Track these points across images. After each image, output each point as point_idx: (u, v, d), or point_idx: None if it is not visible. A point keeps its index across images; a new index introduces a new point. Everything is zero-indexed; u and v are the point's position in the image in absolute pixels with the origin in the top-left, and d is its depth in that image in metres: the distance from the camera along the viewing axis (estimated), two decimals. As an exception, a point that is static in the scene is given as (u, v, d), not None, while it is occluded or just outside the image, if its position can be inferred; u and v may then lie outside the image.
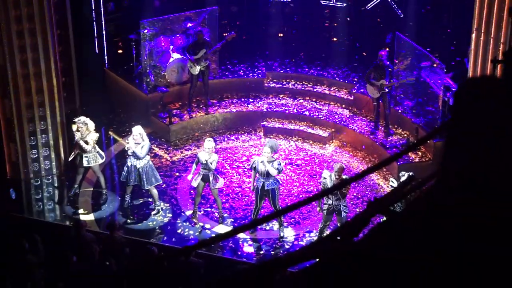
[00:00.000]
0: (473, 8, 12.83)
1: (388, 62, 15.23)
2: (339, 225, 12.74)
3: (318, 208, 12.86)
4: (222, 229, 13.37)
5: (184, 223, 13.58)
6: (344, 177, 12.59)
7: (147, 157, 13.47)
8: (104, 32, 17.61)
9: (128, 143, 13.45)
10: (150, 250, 11.18)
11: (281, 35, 19.13)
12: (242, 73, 17.79)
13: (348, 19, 18.75)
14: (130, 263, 11.56)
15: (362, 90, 16.60)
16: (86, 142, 13.63)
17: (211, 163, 13.01)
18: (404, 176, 12.13)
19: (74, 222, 12.27)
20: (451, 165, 2.42)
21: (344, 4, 18.56)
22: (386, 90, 15.19)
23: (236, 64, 18.09)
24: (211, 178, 13.17)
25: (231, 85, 17.56)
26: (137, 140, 13.33)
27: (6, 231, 12.46)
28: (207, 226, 13.51)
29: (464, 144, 2.40)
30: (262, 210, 13.13)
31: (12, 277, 11.03)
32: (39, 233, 11.61)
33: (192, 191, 13.94)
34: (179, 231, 13.39)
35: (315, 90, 17.31)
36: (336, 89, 17.22)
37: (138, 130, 13.43)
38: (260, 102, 17.15)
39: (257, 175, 12.83)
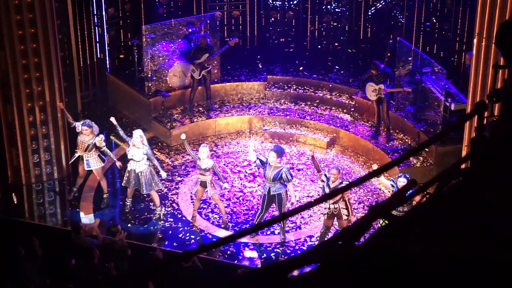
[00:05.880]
0: (475, 13, 12.85)
1: (383, 66, 15.29)
2: (340, 229, 12.73)
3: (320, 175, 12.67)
4: (222, 233, 13.37)
5: (185, 228, 13.58)
6: (345, 182, 12.60)
7: (147, 162, 13.45)
8: (106, 37, 17.64)
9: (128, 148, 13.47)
10: (154, 255, 11.18)
11: (283, 40, 19.19)
12: (243, 78, 17.83)
13: (347, 25, 18.79)
14: (131, 268, 11.56)
15: (363, 95, 16.63)
16: (96, 146, 13.63)
17: (207, 170, 13.07)
18: (400, 177, 12.12)
19: (73, 226, 12.26)
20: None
21: (345, 9, 18.62)
22: (383, 95, 15.25)
23: (238, 68, 18.15)
24: (208, 185, 13.19)
25: (232, 90, 17.59)
26: (137, 144, 13.32)
27: (6, 236, 12.45)
28: (208, 230, 13.51)
29: None
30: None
31: (11, 284, 11.02)
32: (40, 238, 11.60)
33: (193, 195, 13.94)
34: (180, 235, 13.39)
35: (316, 95, 17.34)
36: (338, 94, 17.26)
37: (138, 133, 13.42)
38: (261, 107, 17.18)
39: (264, 179, 12.84)
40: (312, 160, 12.79)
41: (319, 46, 19.07)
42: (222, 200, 13.95)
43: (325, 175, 12.43)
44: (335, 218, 12.55)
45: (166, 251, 12.39)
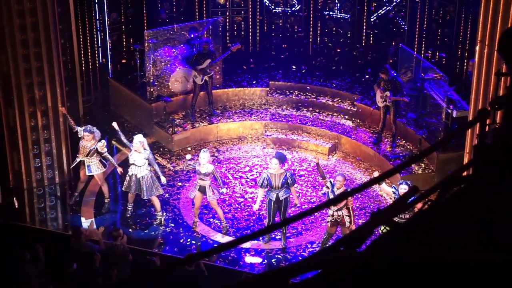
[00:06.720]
0: (477, 20, 12.85)
1: (396, 74, 15.28)
2: (343, 236, 12.71)
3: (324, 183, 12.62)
4: (223, 239, 13.35)
5: (186, 233, 13.56)
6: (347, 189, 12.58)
7: (148, 167, 13.41)
8: (108, 42, 17.66)
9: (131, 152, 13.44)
10: (151, 261, 11.16)
11: (285, 46, 19.17)
12: (245, 83, 17.82)
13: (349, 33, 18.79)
14: (132, 273, 11.54)
15: (365, 101, 16.63)
16: (97, 151, 13.62)
17: (206, 175, 13.03)
18: (402, 184, 12.09)
19: (73, 230, 12.26)
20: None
21: (348, 16, 18.62)
22: (389, 103, 15.20)
23: (240, 74, 18.15)
24: (207, 190, 13.14)
25: (234, 95, 17.59)
26: (138, 149, 13.28)
27: (8, 241, 12.44)
28: (209, 236, 13.49)
29: None
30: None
31: (11, 285, 11.01)
32: (41, 242, 11.59)
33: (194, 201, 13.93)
34: (181, 241, 13.37)
35: (318, 101, 17.32)
36: (340, 100, 17.24)
37: (138, 139, 13.38)
38: (263, 113, 17.17)
39: (269, 188, 12.76)
40: (317, 167, 12.76)
41: (317, 61, 19.00)
42: (223, 206, 13.92)
43: (330, 181, 12.41)
44: (339, 225, 12.52)
45: (166, 256, 12.37)
